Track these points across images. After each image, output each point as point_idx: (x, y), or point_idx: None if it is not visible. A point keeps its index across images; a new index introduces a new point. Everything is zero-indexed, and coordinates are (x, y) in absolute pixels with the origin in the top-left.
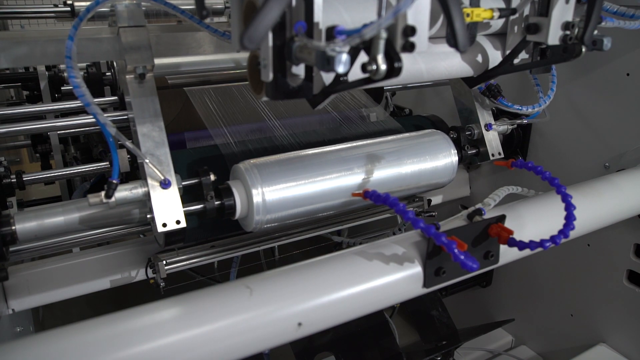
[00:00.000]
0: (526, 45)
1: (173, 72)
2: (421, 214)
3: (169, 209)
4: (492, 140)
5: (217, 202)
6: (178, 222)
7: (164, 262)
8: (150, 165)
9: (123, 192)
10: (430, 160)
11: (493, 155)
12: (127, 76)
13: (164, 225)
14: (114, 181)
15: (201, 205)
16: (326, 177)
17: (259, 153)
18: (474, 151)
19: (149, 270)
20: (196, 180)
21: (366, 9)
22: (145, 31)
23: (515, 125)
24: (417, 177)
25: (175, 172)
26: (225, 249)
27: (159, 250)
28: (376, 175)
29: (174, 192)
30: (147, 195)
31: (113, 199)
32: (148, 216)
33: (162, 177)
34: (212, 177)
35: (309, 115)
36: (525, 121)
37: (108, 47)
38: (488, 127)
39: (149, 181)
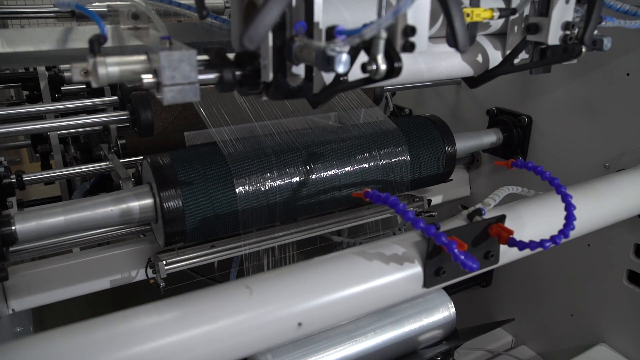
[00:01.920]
0: (526, 46)
1: None
2: (421, 214)
3: (175, 65)
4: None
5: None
6: (192, 83)
7: (164, 262)
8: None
9: (114, 67)
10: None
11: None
12: (121, 27)
13: (172, 77)
14: (101, 34)
15: (216, 74)
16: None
17: (257, 152)
18: None
19: (149, 270)
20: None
21: (367, 8)
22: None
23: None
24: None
25: (175, 170)
26: (225, 249)
27: (159, 250)
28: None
29: (177, 44)
30: (148, 62)
31: (104, 70)
32: (152, 80)
33: (160, 35)
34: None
35: (308, 115)
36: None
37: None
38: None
39: (151, 43)
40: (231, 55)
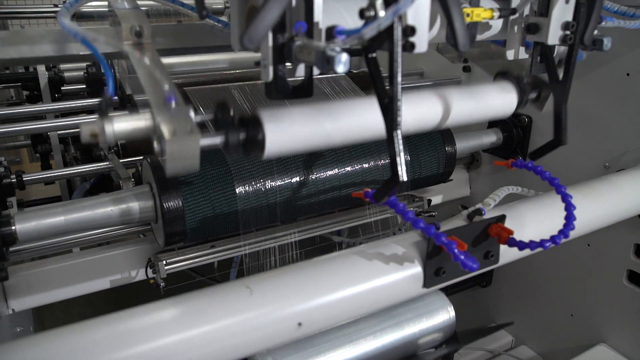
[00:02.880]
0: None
1: (173, 72)
2: (421, 214)
3: (179, 126)
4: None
5: (242, 135)
6: (192, 131)
7: (164, 262)
8: (150, 70)
9: (122, 123)
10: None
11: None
12: (124, 42)
13: (175, 134)
14: (109, 96)
15: (222, 137)
16: None
17: None
18: (534, 94)
19: (149, 270)
20: (212, 116)
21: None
22: (141, 11)
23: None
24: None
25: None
26: (225, 249)
27: (159, 250)
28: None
29: (181, 108)
30: (152, 128)
31: (111, 128)
32: (155, 146)
33: (166, 92)
34: (232, 112)
35: None
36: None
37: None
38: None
39: (153, 104)
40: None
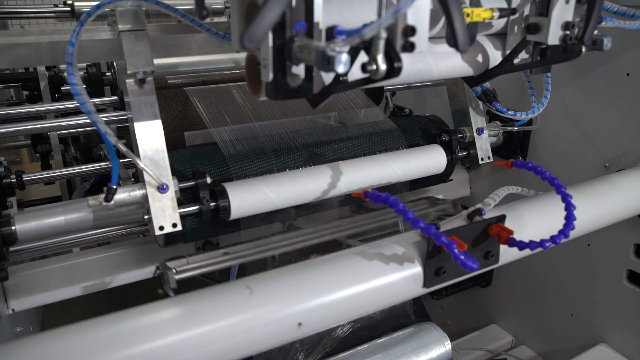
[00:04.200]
0: (526, 45)
1: (173, 72)
2: (444, 217)
3: (165, 213)
4: (483, 144)
5: (212, 204)
6: (175, 225)
7: (174, 270)
8: (147, 172)
9: (122, 195)
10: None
11: (482, 159)
12: (127, 80)
13: (161, 228)
14: (114, 186)
15: (197, 207)
16: None
17: (257, 152)
18: (464, 153)
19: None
20: (193, 183)
21: (369, 9)
22: (146, 35)
23: (506, 134)
24: None
25: (176, 172)
26: (238, 256)
27: (159, 250)
28: None
29: (170, 196)
30: (145, 198)
31: (112, 202)
32: (146, 217)
33: (160, 183)
34: (209, 180)
35: (307, 115)
36: (515, 128)
37: (108, 48)
38: (480, 131)
39: (147, 186)
40: None
